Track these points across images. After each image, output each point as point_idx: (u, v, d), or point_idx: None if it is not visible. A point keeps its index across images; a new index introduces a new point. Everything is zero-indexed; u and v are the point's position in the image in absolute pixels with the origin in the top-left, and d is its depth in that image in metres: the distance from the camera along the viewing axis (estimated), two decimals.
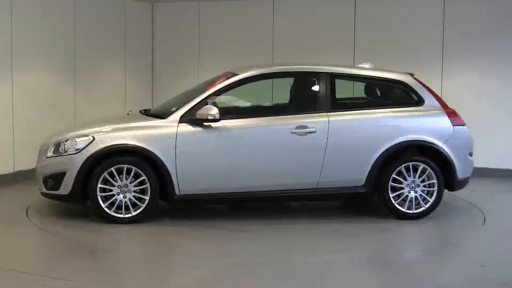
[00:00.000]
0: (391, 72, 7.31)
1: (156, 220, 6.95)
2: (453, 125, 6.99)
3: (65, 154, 6.70)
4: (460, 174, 7.00)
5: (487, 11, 9.52)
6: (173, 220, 6.94)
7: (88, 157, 6.57)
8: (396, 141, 6.84)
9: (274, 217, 7.15)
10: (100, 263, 5.56)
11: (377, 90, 7.52)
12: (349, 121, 6.93)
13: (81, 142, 6.66)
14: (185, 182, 6.68)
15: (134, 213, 6.65)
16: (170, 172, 6.63)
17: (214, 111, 6.57)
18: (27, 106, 8.85)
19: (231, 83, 6.96)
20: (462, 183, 7.15)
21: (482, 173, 9.12)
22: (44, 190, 6.93)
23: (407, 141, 6.87)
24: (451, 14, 9.66)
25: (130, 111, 8.16)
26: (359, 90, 7.78)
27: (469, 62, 9.64)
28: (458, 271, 5.50)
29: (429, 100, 7.07)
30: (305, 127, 6.79)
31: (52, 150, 6.85)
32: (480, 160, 8.89)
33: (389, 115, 7.03)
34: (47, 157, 6.87)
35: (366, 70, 7.38)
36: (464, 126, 7.08)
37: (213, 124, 6.68)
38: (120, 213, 6.65)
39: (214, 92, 6.85)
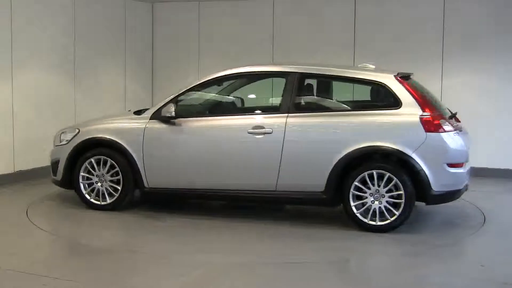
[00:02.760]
0: (371, 73, 6.79)
1: (157, 220, 6.97)
2: (426, 132, 6.26)
3: (60, 144, 7.46)
4: (437, 187, 6.29)
5: (487, 11, 9.52)
6: (176, 218, 6.96)
7: (73, 148, 7.26)
8: (357, 146, 6.36)
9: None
10: (100, 263, 5.56)
11: (355, 91, 7.21)
12: (308, 123, 6.63)
13: (70, 134, 7.40)
14: (151, 176, 7.03)
15: (109, 201, 7.16)
16: (139, 165, 7.04)
17: (171, 109, 6.87)
18: (27, 106, 8.85)
19: (198, 85, 7.12)
20: (443, 197, 6.48)
21: (482, 173, 9.12)
22: (52, 176, 7.57)
23: (369, 147, 6.35)
24: (451, 14, 9.66)
25: (129, 111, 8.18)
26: (360, 92, 7.49)
27: (469, 62, 9.63)
28: (458, 271, 5.50)
29: (407, 103, 6.40)
30: (261, 127, 6.68)
31: (55, 140, 7.60)
32: (480, 160, 8.91)
33: (351, 119, 6.55)
34: (54, 146, 7.62)
35: (344, 70, 6.98)
36: (442, 133, 6.29)
37: (177, 122, 6.90)
38: (98, 200, 7.19)
39: (182, 92, 7.06)
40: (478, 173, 8.71)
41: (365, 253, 5.98)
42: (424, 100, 6.49)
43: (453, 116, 6.91)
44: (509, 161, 9.51)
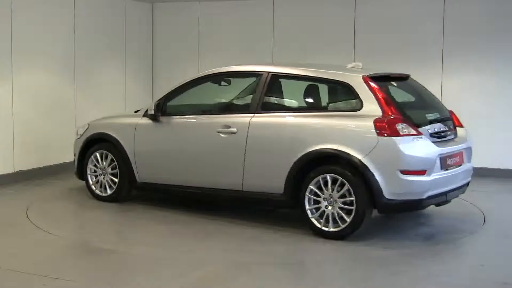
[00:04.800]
0: (340, 72, 6.56)
1: (159, 219, 6.97)
2: (378, 136, 5.94)
3: (77, 138, 8.02)
4: (389, 194, 5.94)
5: (487, 11, 9.52)
6: (175, 217, 6.95)
7: (83, 142, 7.81)
8: (311, 149, 6.19)
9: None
10: (100, 263, 5.56)
11: (322, 91, 6.94)
12: (269, 124, 6.57)
13: (82, 129, 7.97)
14: (141, 170, 7.38)
15: (109, 193, 7.60)
16: (131, 160, 7.42)
17: (152, 107, 7.23)
18: (27, 106, 8.85)
19: (182, 85, 7.30)
20: (396, 206, 6.10)
21: (482, 173, 9.12)
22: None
23: (322, 150, 6.16)
24: (451, 14, 9.65)
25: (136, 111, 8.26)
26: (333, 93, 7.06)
27: (469, 62, 9.63)
28: (458, 271, 5.51)
29: (369, 105, 6.10)
30: (228, 127, 6.71)
31: (75, 134, 8.13)
32: (480, 160, 8.89)
33: (310, 120, 6.38)
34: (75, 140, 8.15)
35: (313, 70, 6.80)
36: (395, 138, 5.89)
37: (161, 120, 7.20)
38: (101, 192, 7.66)
39: (169, 91, 7.30)
40: (478, 173, 8.70)
41: (365, 252, 5.98)
42: (387, 102, 6.12)
43: (444, 120, 6.66)
44: (509, 161, 9.51)
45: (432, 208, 7.06)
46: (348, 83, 6.33)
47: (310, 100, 6.87)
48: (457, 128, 6.87)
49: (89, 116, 9.67)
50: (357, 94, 6.21)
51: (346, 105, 6.44)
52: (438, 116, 6.70)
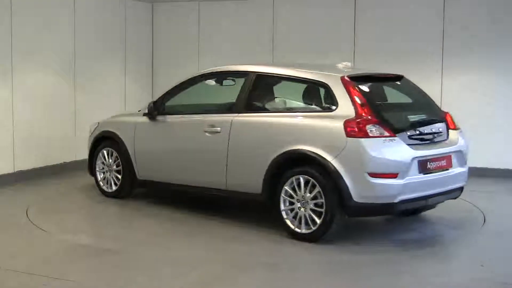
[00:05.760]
0: (320, 72, 6.47)
1: (159, 218, 6.97)
2: (347, 137, 5.82)
3: (89, 135, 8.26)
4: (357, 197, 5.82)
5: (487, 11, 9.51)
6: (179, 216, 6.96)
7: (93, 139, 8.10)
8: (284, 149, 6.15)
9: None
10: (100, 263, 5.56)
11: (304, 92, 6.84)
12: (249, 123, 6.59)
13: (93, 126, 8.24)
14: (140, 168, 7.57)
15: (113, 189, 7.82)
16: (131, 157, 7.61)
17: (147, 106, 7.46)
18: (27, 106, 8.85)
19: (177, 85, 7.42)
20: (365, 210, 5.97)
21: (482, 173, 9.12)
22: None
23: (295, 150, 6.10)
24: (451, 14, 9.65)
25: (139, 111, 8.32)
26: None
27: (469, 62, 9.63)
28: (458, 271, 5.51)
29: (343, 106, 5.99)
30: (213, 126, 6.78)
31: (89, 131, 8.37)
32: (480, 160, 8.91)
33: (286, 120, 6.37)
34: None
35: (294, 70, 6.74)
36: (363, 139, 5.78)
37: (158, 119, 7.36)
38: (108, 189, 7.89)
39: (167, 91, 7.46)
40: (478, 173, 8.72)
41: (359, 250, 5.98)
42: (361, 103, 5.97)
43: (432, 122, 6.42)
44: (509, 161, 9.51)
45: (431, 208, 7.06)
46: (326, 83, 6.25)
47: (290, 100, 6.90)
48: (450, 131, 6.57)
49: (89, 116, 9.70)
50: (333, 94, 6.13)
51: (323, 106, 6.38)
52: (425, 118, 6.51)
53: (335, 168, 5.84)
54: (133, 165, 7.59)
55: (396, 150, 5.89)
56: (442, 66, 9.74)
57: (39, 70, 9.05)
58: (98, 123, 8.17)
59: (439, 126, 6.47)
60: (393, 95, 6.74)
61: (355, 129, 5.82)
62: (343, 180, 5.82)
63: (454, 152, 6.43)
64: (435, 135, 6.37)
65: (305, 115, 6.33)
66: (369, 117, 5.89)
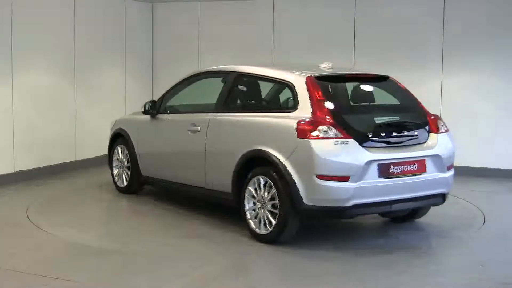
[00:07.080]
0: (288, 72, 6.40)
1: (160, 217, 6.97)
2: (298, 138, 5.72)
3: (110, 132, 8.49)
4: (308, 200, 5.70)
5: (487, 11, 9.51)
6: (179, 215, 6.97)
7: (110, 136, 8.37)
8: (248, 149, 6.14)
9: None
10: (100, 263, 5.56)
11: (272, 91, 6.95)
12: (222, 122, 6.63)
13: (112, 124, 8.47)
14: (142, 165, 7.79)
15: (124, 185, 8.10)
16: (136, 154, 7.84)
17: (144, 104, 7.67)
18: (27, 106, 8.85)
19: (175, 85, 7.59)
20: (315, 213, 5.81)
21: (482, 173, 9.12)
22: None
23: (254, 151, 6.10)
24: (451, 14, 9.65)
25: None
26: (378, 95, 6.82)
27: (469, 62, 9.63)
28: (458, 271, 5.51)
29: (302, 106, 5.90)
30: (195, 125, 6.87)
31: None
32: (480, 160, 8.91)
33: (251, 120, 6.33)
34: None
35: (264, 69, 6.69)
36: (312, 140, 5.65)
37: (156, 117, 7.55)
38: (120, 183, 8.16)
39: (167, 91, 7.64)
40: (478, 173, 8.73)
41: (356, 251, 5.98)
42: (319, 104, 5.85)
43: (406, 125, 6.15)
44: (509, 161, 9.50)
45: (431, 208, 7.04)
46: (291, 83, 6.17)
47: (260, 99, 6.85)
48: (432, 134, 6.24)
49: (89, 116, 9.71)
50: (296, 94, 6.05)
51: (286, 106, 6.35)
52: (396, 120, 6.19)
53: (286, 169, 5.77)
54: (137, 162, 7.83)
55: (348, 153, 5.70)
56: (442, 66, 9.74)
57: (39, 70, 9.06)
58: (116, 120, 8.46)
59: (413, 129, 6.18)
60: (364, 96, 6.54)
61: (305, 130, 5.72)
62: (294, 182, 5.74)
63: (429, 156, 6.12)
64: (406, 138, 6.09)
65: (269, 115, 6.31)
66: (326, 117, 5.77)
